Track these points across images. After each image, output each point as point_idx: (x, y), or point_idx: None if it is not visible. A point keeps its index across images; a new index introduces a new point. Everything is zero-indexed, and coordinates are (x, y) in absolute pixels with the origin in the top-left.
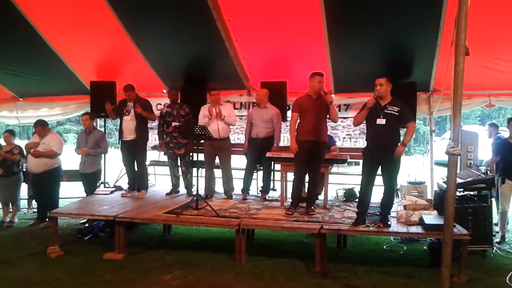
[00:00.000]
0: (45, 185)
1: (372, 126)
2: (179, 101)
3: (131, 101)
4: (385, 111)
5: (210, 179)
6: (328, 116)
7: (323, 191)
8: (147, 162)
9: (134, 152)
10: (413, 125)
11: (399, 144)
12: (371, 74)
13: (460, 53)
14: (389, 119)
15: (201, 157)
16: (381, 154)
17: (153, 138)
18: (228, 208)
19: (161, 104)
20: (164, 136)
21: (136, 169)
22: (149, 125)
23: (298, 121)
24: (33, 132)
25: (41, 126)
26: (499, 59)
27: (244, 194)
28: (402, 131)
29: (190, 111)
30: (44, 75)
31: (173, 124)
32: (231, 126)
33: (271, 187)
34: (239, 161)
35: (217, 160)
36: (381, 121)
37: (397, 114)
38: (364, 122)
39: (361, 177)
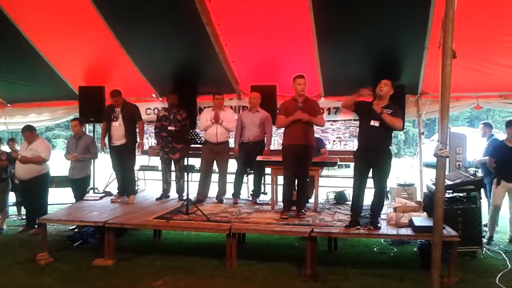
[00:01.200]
0: (33, 192)
1: (366, 128)
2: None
3: (118, 106)
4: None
5: (205, 185)
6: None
7: (313, 194)
8: (137, 167)
9: (123, 157)
10: (400, 121)
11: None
12: (360, 77)
13: (447, 56)
14: (383, 121)
15: (192, 161)
16: (373, 156)
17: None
18: (218, 212)
19: (150, 109)
20: (160, 140)
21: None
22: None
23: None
24: (8, 140)
25: (29, 132)
26: (486, 61)
27: (235, 198)
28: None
29: (187, 116)
30: (32, 81)
31: (169, 128)
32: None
33: (262, 190)
34: (229, 165)
35: (214, 165)
36: (375, 122)
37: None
38: (357, 124)
39: (353, 180)
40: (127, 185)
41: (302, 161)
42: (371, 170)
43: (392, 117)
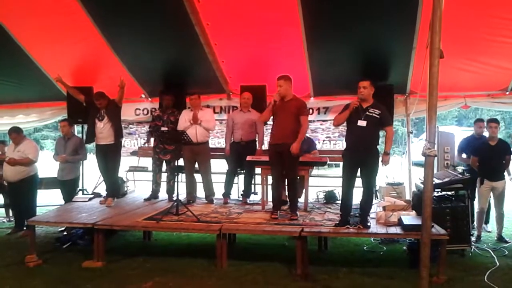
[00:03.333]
0: (22, 193)
1: (353, 128)
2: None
3: (103, 108)
4: (367, 113)
5: (191, 184)
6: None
7: (303, 194)
8: (126, 168)
9: (107, 156)
10: (391, 130)
11: (381, 154)
12: (349, 77)
13: (434, 56)
14: (370, 121)
15: (181, 162)
16: (361, 155)
17: (132, 143)
18: (209, 213)
19: (139, 109)
20: (152, 140)
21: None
22: (128, 131)
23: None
24: None
25: (16, 133)
26: (474, 60)
27: (225, 199)
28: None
29: None
30: (20, 81)
31: (162, 129)
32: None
33: (252, 190)
34: (219, 166)
35: (196, 165)
36: (362, 123)
37: (378, 117)
38: (344, 123)
39: (341, 179)
40: (109, 186)
41: (285, 160)
42: (359, 169)
43: (389, 142)
